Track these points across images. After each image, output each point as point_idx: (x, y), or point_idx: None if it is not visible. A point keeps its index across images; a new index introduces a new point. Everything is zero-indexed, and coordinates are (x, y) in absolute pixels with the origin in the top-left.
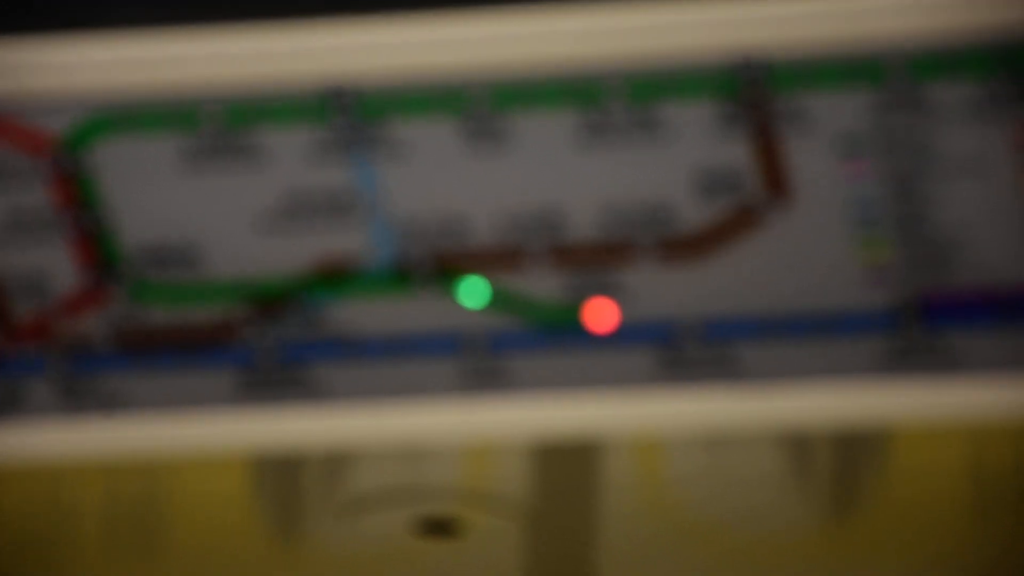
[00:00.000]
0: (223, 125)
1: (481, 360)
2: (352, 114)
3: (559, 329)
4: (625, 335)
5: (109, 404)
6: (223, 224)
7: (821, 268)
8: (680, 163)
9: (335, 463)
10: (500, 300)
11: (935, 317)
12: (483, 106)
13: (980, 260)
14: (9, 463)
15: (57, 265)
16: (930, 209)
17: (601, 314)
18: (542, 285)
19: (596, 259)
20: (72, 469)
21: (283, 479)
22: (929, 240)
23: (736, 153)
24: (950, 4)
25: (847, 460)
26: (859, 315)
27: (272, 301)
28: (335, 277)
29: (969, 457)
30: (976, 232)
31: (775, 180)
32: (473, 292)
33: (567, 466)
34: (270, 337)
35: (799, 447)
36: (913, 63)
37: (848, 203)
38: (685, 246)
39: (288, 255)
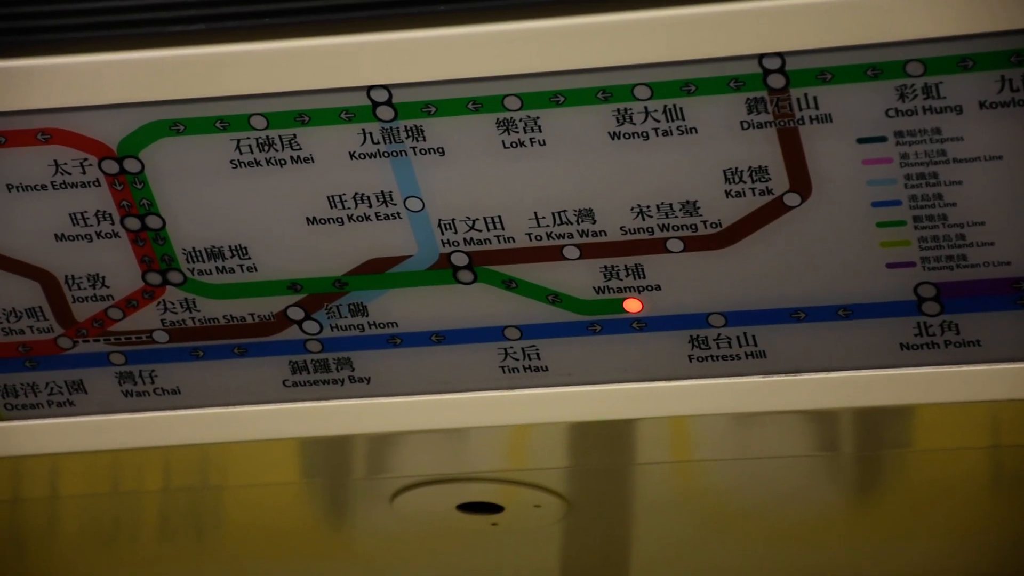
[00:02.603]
0: (270, 128)
1: (519, 349)
2: (391, 115)
3: (594, 319)
4: (656, 324)
5: (166, 394)
6: (272, 222)
7: (843, 257)
8: (707, 158)
9: (382, 448)
10: (537, 292)
11: (954, 303)
12: (517, 106)
13: (998, 248)
14: (72, 450)
15: (116, 263)
16: (948, 199)
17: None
18: (577, 277)
19: (628, 251)
20: (131, 456)
21: (332, 464)
22: (948, 229)
23: (761, 147)
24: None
25: (871, 443)
26: (881, 302)
27: (320, 295)
28: (379, 272)
29: (990, 438)
30: (994, 220)
31: (798, 173)
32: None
33: (603, 450)
34: (318, 329)
35: (825, 431)
36: (931, 58)
37: (868, 193)
38: (713, 238)
39: (334, 251)
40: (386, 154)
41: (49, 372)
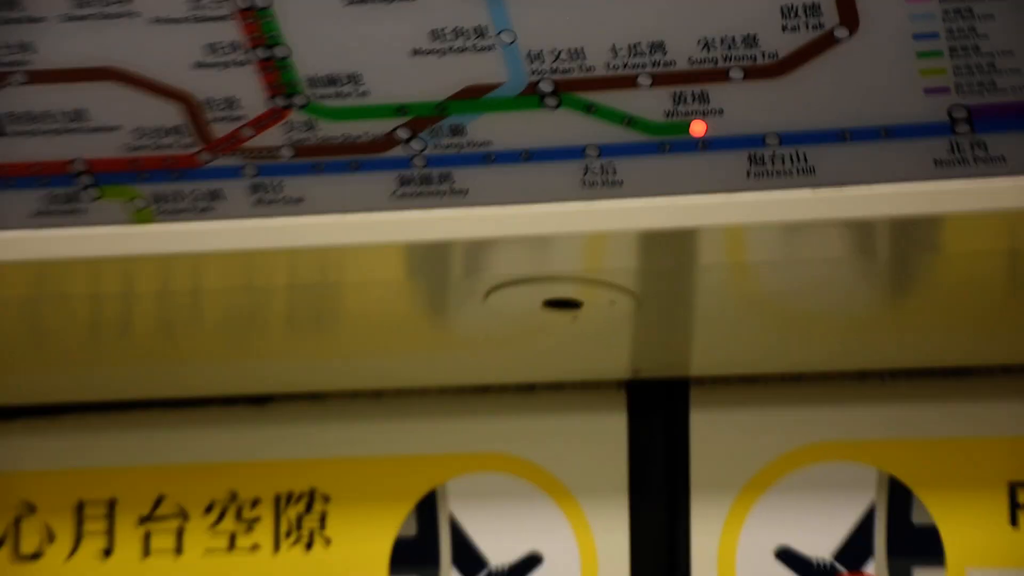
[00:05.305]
0: None
1: (598, 166)
2: None
3: (664, 139)
4: (718, 144)
5: (292, 203)
6: (382, 53)
7: (886, 84)
8: None
9: (477, 252)
10: (614, 115)
11: (983, 124)
12: None
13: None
14: (212, 250)
15: (247, 88)
16: (981, 31)
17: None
18: (649, 102)
19: (695, 80)
20: (262, 258)
21: (433, 265)
22: (980, 58)
23: None
24: None
25: (907, 248)
26: (918, 123)
27: (423, 118)
28: (475, 97)
29: (1011, 242)
30: (1022, 50)
31: (847, 9)
32: None
33: (670, 254)
34: (422, 147)
35: (864, 237)
36: None
37: (910, 27)
38: (770, 68)
39: (436, 79)
40: None
41: (191, 182)
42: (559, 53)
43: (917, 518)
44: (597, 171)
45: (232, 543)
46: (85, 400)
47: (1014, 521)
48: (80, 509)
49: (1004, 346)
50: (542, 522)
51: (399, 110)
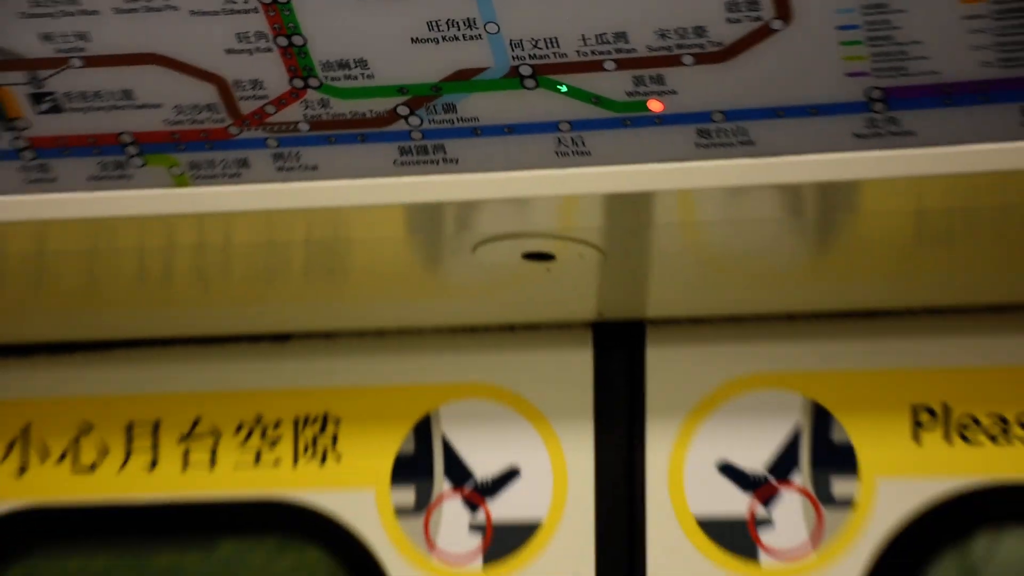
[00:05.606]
0: None
1: (569, 138)
2: None
3: (625, 115)
4: (672, 119)
5: (308, 169)
6: (386, 41)
7: (814, 68)
8: None
9: (466, 212)
10: (583, 95)
11: (896, 103)
12: None
13: (931, 61)
14: (240, 210)
15: (270, 71)
16: (895, 24)
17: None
18: (613, 84)
19: (652, 64)
20: (282, 217)
21: (429, 223)
22: (894, 47)
23: None
24: None
25: (831, 208)
26: (841, 102)
27: (421, 97)
28: (465, 79)
29: (918, 203)
30: (928, 40)
31: (783, 4)
32: None
33: (631, 214)
34: (420, 122)
35: (795, 199)
36: None
37: (835, 19)
38: (717, 54)
39: (431, 63)
40: None
41: (222, 152)
42: (537, 42)
43: (836, 436)
44: (568, 143)
45: (258, 458)
46: (134, 336)
47: (916, 438)
48: (130, 429)
49: (909, 292)
50: (520, 441)
51: (400, 90)
